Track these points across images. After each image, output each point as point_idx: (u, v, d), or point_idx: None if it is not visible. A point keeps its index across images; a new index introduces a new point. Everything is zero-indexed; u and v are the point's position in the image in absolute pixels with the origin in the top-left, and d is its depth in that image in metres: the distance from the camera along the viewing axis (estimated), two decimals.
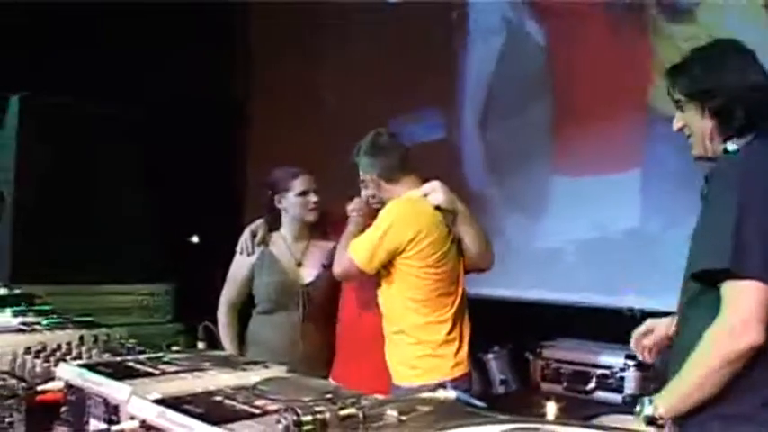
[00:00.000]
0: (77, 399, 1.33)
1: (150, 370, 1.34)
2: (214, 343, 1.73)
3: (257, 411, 1.08)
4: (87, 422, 1.30)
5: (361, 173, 2.71)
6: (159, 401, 1.14)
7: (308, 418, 0.94)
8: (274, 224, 3.03)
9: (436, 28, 4.79)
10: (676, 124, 1.95)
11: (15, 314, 2.05)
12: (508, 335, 3.91)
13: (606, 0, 4.02)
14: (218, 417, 1.05)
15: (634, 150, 3.83)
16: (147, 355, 1.50)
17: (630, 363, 3.39)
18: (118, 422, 1.20)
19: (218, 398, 1.16)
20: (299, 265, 2.98)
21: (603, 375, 3.45)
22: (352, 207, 2.75)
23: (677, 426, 1.75)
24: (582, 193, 4.00)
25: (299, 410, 0.94)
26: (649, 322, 2.18)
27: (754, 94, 1.81)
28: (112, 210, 3.48)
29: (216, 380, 1.29)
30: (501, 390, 3.83)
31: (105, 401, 1.25)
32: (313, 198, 2.92)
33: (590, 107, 4.00)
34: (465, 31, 4.70)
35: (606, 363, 3.48)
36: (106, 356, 1.57)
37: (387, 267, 2.52)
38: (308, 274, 2.96)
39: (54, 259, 3.23)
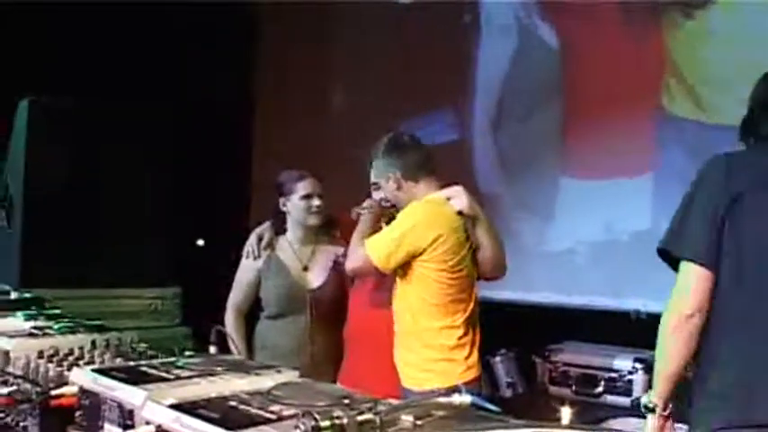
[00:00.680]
0: (92, 403, 1.33)
1: (164, 375, 1.35)
2: (226, 347, 1.73)
3: (273, 417, 1.08)
4: (102, 427, 1.30)
5: (374, 174, 2.70)
6: (174, 406, 1.14)
7: (327, 423, 0.95)
8: (280, 227, 3.02)
9: (448, 29, 4.80)
10: None
11: (27, 318, 2.05)
12: (515, 338, 3.90)
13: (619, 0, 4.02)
14: (233, 422, 1.05)
15: (646, 153, 3.83)
16: (160, 360, 1.50)
17: (639, 366, 3.38)
18: (133, 427, 1.21)
19: (233, 403, 1.16)
20: (306, 269, 2.97)
21: (612, 379, 3.45)
22: (364, 206, 2.74)
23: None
24: (592, 195, 4.00)
25: (317, 416, 0.94)
26: None
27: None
28: (121, 213, 3.48)
29: (230, 385, 1.30)
30: (508, 393, 3.82)
31: (120, 406, 1.26)
32: (316, 202, 2.91)
33: (602, 109, 4.00)
34: (477, 33, 4.71)
35: (615, 366, 3.47)
36: (118, 361, 1.57)
37: (403, 269, 2.51)
38: (315, 278, 2.96)
39: (62, 263, 3.23)
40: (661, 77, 3.78)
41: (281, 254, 2.97)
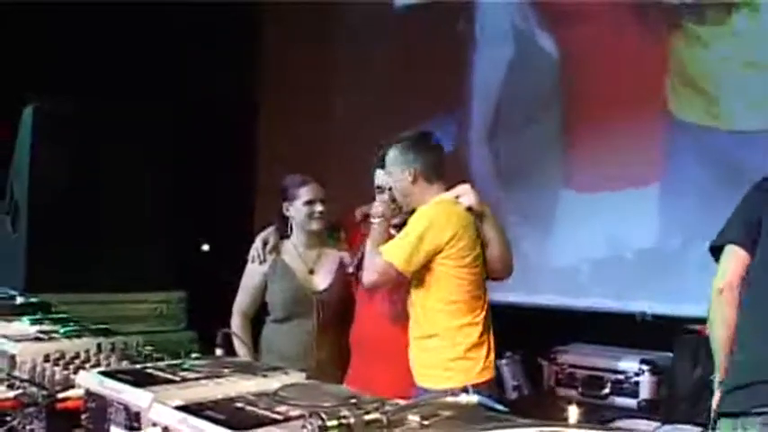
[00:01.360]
0: (98, 406, 1.33)
1: (170, 377, 1.34)
2: (232, 350, 1.73)
3: (279, 417, 1.08)
4: (108, 429, 1.30)
5: (390, 164, 2.62)
6: (181, 408, 1.14)
7: (334, 423, 0.94)
8: (285, 231, 3.02)
9: (445, 36, 4.80)
10: None
11: (32, 322, 2.05)
12: (520, 340, 3.89)
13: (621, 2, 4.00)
14: (240, 423, 1.05)
15: (652, 161, 3.80)
16: (166, 363, 1.50)
17: (645, 368, 3.37)
18: (139, 429, 1.21)
19: (240, 404, 1.16)
20: (312, 272, 2.97)
21: (618, 380, 3.44)
22: (376, 212, 2.66)
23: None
24: (595, 205, 3.98)
25: (323, 415, 0.94)
26: None
27: None
28: (125, 218, 3.48)
29: (236, 386, 1.29)
30: (514, 395, 3.82)
31: (126, 408, 1.25)
32: (318, 208, 2.90)
33: (603, 116, 3.98)
34: (473, 42, 4.71)
35: (621, 368, 3.46)
36: (124, 364, 1.57)
37: (420, 270, 2.49)
38: (321, 281, 2.96)
39: (67, 268, 3.23)
40: (664, 82, 3.75)
41: (287, 257, 2.97)
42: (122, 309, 3.32)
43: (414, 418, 1.09)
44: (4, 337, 1.81)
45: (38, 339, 1.80)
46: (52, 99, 3.49)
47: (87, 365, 1.55)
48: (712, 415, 2.11)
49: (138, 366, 1.48)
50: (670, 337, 3.39)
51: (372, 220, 2.66)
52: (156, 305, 3.52)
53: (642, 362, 3.41)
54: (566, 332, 3.88)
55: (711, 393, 2.20)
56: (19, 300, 2.66)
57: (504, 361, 3.84)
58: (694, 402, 3.06)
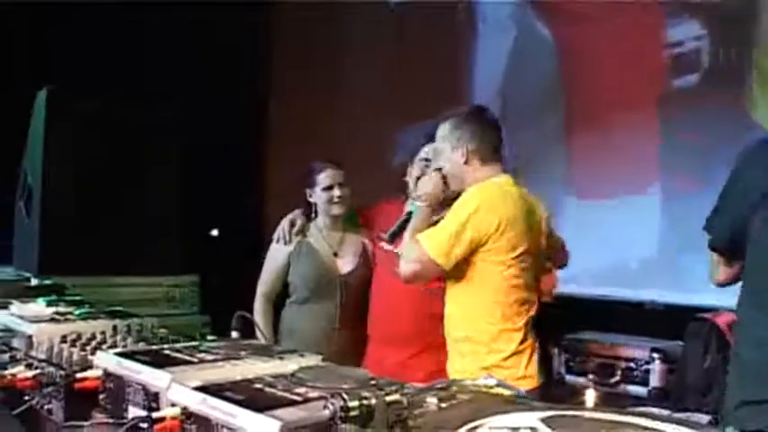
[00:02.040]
0: (116, 386, 1.34)
1: (188, 358, 1.35)
2: (248, 332, 1.73)
3: (298, 399, 1.08)
4: (126, 409, 1.31)
5: (440, 139, 2.36)
6: (200, 389, 1.14)
7: (355, 403, 0.95)
8: (310, 215, 3.06)
9: (445, 37, 4.83)
10: None
11: (48, 304, 2.06)
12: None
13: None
14: (259, 403, 1.05)
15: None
16: (183, 344, 1.51)
17: (656, 356, 3.37)
18: (158, 409, 1.21)
19: (259, 385, 1.16)
20: (336, 255, 2.99)
21: (629, 368, 3.44)
22: (424, 190, 2.35)
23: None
24: (598, 212, 3.97)
25: (345, 396, 0.95)
26: None
27: None
28: (137, 202, 3.50)
29: (254, 368, 1.30)
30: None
31: (145, 389, 1.26)
32: (337, 192, 2.92)
33: (604, 117, 3.97)
34: (474, 47, 4.71)
35: (632, 355, 3.46)
36: (140, 345, 1.58)
37: (459, 267, 2.22)
38: (345, 264, 2.97)
39: (80, 251, 3.24)
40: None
41: (311, 239, 3.00)
42: (134, 292, 3.34)
43: (432, 401, 1.09)
44: (21, 317, 1.83)
45: (54, 320, 1.82)
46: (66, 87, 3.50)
47: (104, 346, 1.56)
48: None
49: (155, 347, 1.49)
50: (680, 325, 3.38)
51: (418, 202, 2.36)
52: (167, 289, 3.54)
53: (653, 350, 3.40)
54: (577, 320, 3.88)
55: (721, 382, 2.18)
56: (34, 282, 2.68)
57: None
58: (704, 391, 3.06)
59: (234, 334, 1.67)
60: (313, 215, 3.02)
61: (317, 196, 2.96)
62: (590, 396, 3.01)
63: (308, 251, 2.96)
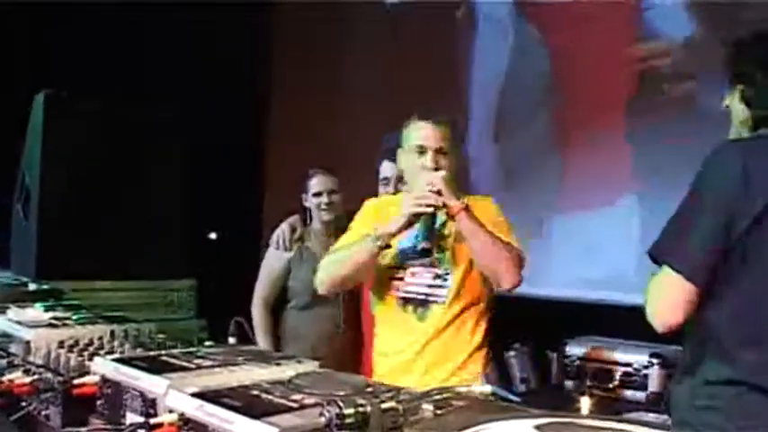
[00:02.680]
0: (113, 392, 1.34)
1: (185, 364, 1.36)
2: (245, 338, 1.74)
3: (295, 405, 1.08)
4: (124, 415, 1.31)
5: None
6: (197, 395, 1.15)
7: (351, 410, 0.95)
8: (306, 220, 3.07)
9: (444, 37, 4.83)
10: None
11: (46, 309, 2.06)
12: (528, 333, 3.89)
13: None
14: (256, 410, 1.05)
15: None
16: (180, 350, 1.51)
17: (655, 360, 3.37)
18: (155, 415, 1.21)
19: (256, 392, 1.16)
20: None
21: (627, 373, 3.43)
22: (434, 181, 2.22)
23: None
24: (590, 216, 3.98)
25: (341, 403, 0.95)
26: None
27: None
28: (135, 206, 3.49)
29: (251, 374, 1.30)
30: (522, 388, 3.82)
31: (142, 395, 1.26)
32: (325, 199, 2.97)
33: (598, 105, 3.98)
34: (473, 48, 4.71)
35: (630, 360, 3.46)
36: (138, 351, 1.58)
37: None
38: None
39: (78, 255, 3.23)
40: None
41: (310, 244, 3.01)
42: (131, 296, 3.33)
43: (428, 407, 1.09)
44: (19, 323, 1.83)
45: (52, 326, 1.82)
46: (64, 89, 3.49)
47: (101, 352, 1.56)
48: None
49: (152, 353, 1.49)
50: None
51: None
52: (165, 293, 3.53)
53: (651, 355, 3.40)
54: (574, 325, 3.88)
55: None
56: (32, 286, 2.68)
57: (511, 353, 3.84)
58: None
59: (231, 340, 1.68)
60: (308, 220, 3.04)
61: (309, 201, 3.00)
62: (587, 402, 3.00)
63: (308, 256, 2.97)
